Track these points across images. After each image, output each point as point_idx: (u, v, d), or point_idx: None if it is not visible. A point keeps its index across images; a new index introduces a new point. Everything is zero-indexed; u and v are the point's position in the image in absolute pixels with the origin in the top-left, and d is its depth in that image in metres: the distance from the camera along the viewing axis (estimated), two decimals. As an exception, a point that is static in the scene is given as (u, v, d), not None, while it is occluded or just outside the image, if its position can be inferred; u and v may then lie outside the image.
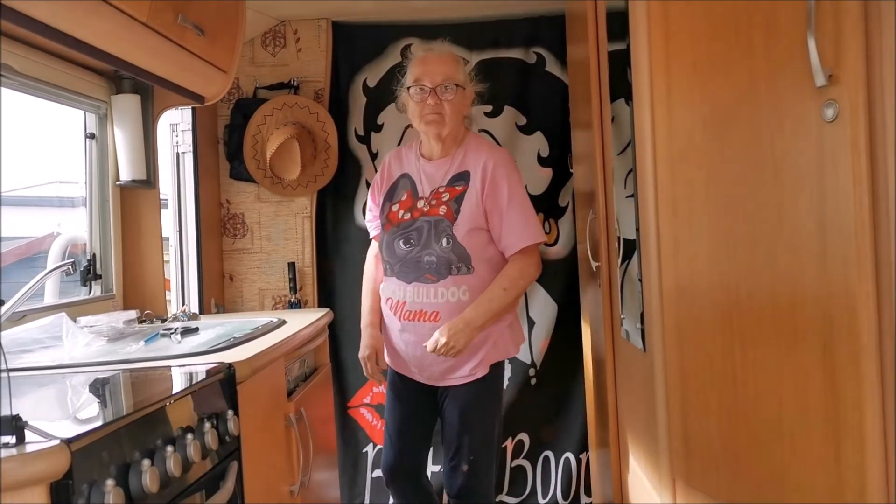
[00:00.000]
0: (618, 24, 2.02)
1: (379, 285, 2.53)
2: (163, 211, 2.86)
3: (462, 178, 2.37)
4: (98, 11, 1.65)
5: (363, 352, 2.51)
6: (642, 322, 1.93)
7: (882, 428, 1.18)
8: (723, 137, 1.50)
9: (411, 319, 2.37)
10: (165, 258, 2.92)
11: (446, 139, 2.40)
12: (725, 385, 1.51)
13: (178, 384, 1.56)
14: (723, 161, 1.51)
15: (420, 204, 2.38)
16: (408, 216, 2.38)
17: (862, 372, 1.19)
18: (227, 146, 3.47)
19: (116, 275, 2.60)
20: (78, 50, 1.73)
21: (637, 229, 1.93)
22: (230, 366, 1.68)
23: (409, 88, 2.39)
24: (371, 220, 2.60)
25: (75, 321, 2.00)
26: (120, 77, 2.52)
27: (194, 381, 1.54)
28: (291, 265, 3.45)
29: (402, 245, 2.36)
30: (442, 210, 2.34)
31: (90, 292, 2.48)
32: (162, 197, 2.86)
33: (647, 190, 1.80)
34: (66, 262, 2.10)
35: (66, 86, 2.30)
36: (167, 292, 2.92)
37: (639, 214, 1.89)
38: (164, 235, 2.89)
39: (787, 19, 1.28)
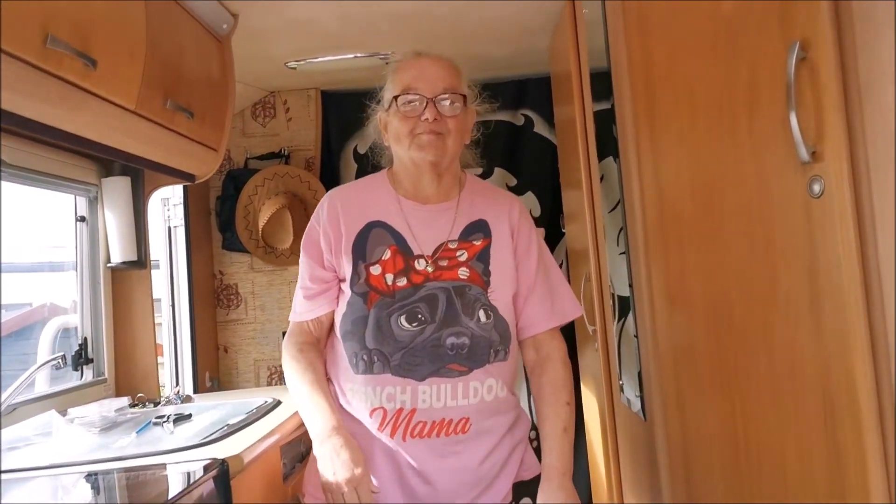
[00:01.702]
0: (603, 85, 2.05)
1: (326, 377, 1.77)
2: (155, 283, 2.85)
3: (478, 228, 1.75)
4: (86, 104, 1.66)
5: (346, 472, 1.58)
6: (641, 389, 1.91)
7: (888, 495, 1.16)
8: (712, 208, 1.51)
9: (424, 435, 1.65)
10: (158, 323, 2.90)
11: (445, 174, 1.75)
12: (728, 454, 1.50)
13: (173, 486, 1.53)
14: (713, 230, 1.51)
15: (420, 265, 1.69)
16: (404, 282, 1.66)
17: (865, 445, 1.17)
18: (219, 217, 3.48)
19: (108, 358, 2.57)
20: (66, 141, 1.74)
21: (630, 286, 1.93)
22: (224, 462, 1.66)
23: (395, 98, 1.69)
24: (316, 294, 1.75)
25: (66, 412, 1.97)
26: (110, 160, 2.53)
27: (189, 483, 1.51)
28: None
29: (403, 324, 1.63)
30: (463, 273, 1.69)
31: (81, 377, 2.45)
32: (154, 265, 2.85)
33: (639, 259, 1.81)
34: (58, 355, 2.08)
35: (56, 172, 2.31)
36: (159, 358, 2.88)
37: (632, 278, 1.90)
38: (156, 306, 2.87)
39: (769, 95, 1.29)
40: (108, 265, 2.58)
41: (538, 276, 1.76)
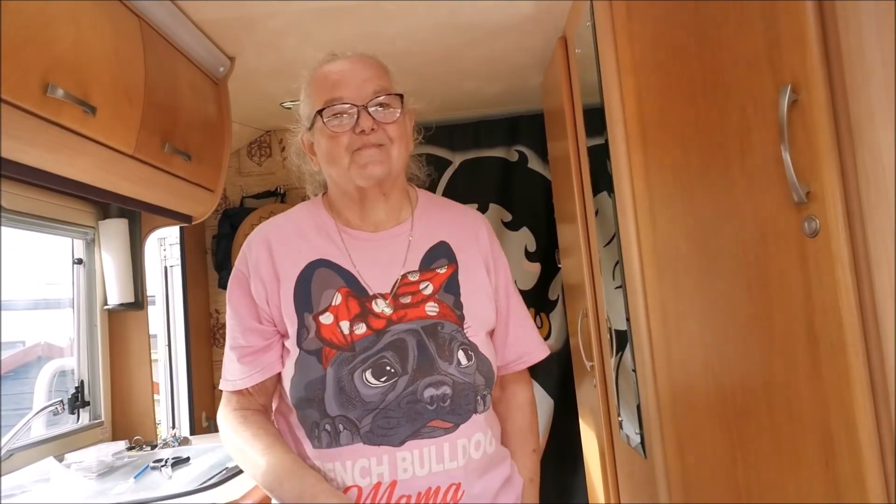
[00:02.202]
0: (596, 120, 2.07)
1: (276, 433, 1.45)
2: (152, 319, 2.84)
3: (440, 253, 1.48)
4: (85, 150, 1.68)
5: (334, 498, 1.30)
6: (640, 424, 1.90)
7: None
8: (707, 247, 1.52)
9: None
10: (155, 360, 2.89)
11: (391, 191, 1.48)
12: (729, 493, 1.49)
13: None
14: (710, 270, 1.52)
15: (379, 306, 1.40)
16: (363, 329, 1.37)
17: (866, 487, 1.17)
18: (215, 256, 3.49)
19: (105, 401, 2.56)
20: (65, 187, 1.75)
21: (627, 319, 1.94)
22: (223, 508, 1.64)
23: (320, 113, 1.41)
24: (252, 355, 1.43)
25: (63, 458, 1.95)
26: (107, 203, 2.54)
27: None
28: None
29: (370, 380, 1.33)
30: (431, 309, 1.41)
31: (78, 420, 2.44)
32: (150, 301, 2.84)
33: (636, 296, 1.81)
34: (55, 401, 2.07)
35: (54, 216, 2.32)
36: (156, 395, 2.87)
37: (628, 312, 1.90)
38: (153, 342, 2.86)
39: (760, 136, 1.31)
40: (105, 307, 2.58)
41: (519, 305, 1.58)
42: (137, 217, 2.63)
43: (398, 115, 1.41)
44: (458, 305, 1.44)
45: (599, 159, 2.11)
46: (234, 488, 1.82)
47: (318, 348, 1.35)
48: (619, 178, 1.84)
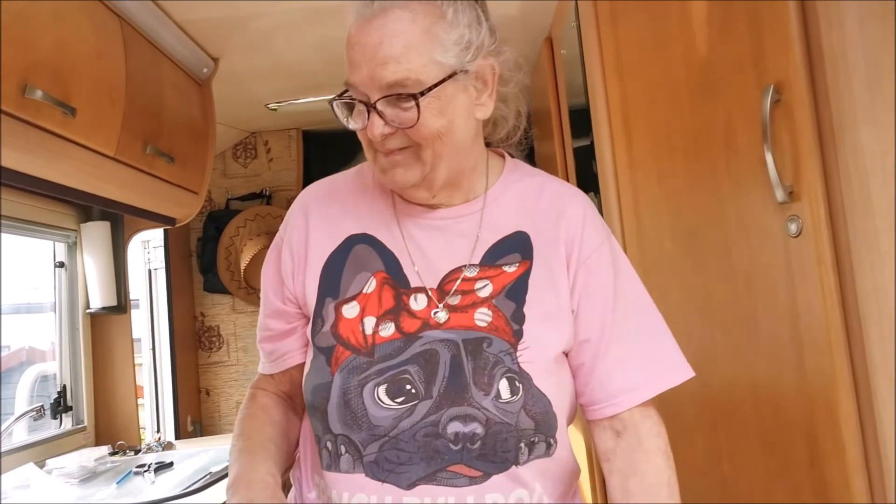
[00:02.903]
0: (582, 121, 2.07)
1: (288, 431, 1.22)
2: (135, 323, 2.82)
3: (515, 246, 1.12)
4: (65, 152, 1.65)
5: None
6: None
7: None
8: (692, 249, 1.52)
9: None
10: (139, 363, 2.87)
11: (447, 185, 1.11)
12: (716, 494, 1.49)
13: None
14: (695, 271, 1.52)
15: (418, 303, 1.10)
16: (390, 331, 1.08)
17: (851, 486, 1.17)
18: (200, 259, 3.46)
19: (88, 405, 2.53)
20: (46, 189, 1.73)
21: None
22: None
23: (331, 104, 1.09)
24: (274, 338, 1.21)
25: (44, 463, 1.93)
26: (89, 205, 2.52)
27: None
28: (269, 377, 3.40)
29: (382, 398, 1.06)
30: (482, 318, 1.08)
31: (60, 425, 2.41)
32: (133, 305, 2.82)
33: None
34: (36, 406, 2.05)
35: (35, 219, 2.29)
36: (140, 399, 2.85)
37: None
38: (136, 346, 2.84)
39: (745, 137, 1.31)
40: (88, 311, 2.55)
41: (618, 321, 1.11)
42: (120, 220, 2.61)
43: (415, 116, 1.01)
44: (518, 318, 1.07)
45: (585, 160, 2.11)
46: (218, 493, 1.80)
47: (331, 346, 1.08)
48: (604, 178, 1.83)
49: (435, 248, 1.12)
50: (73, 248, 2.55)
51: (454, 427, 1.02)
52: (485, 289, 1.09)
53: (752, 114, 1.27)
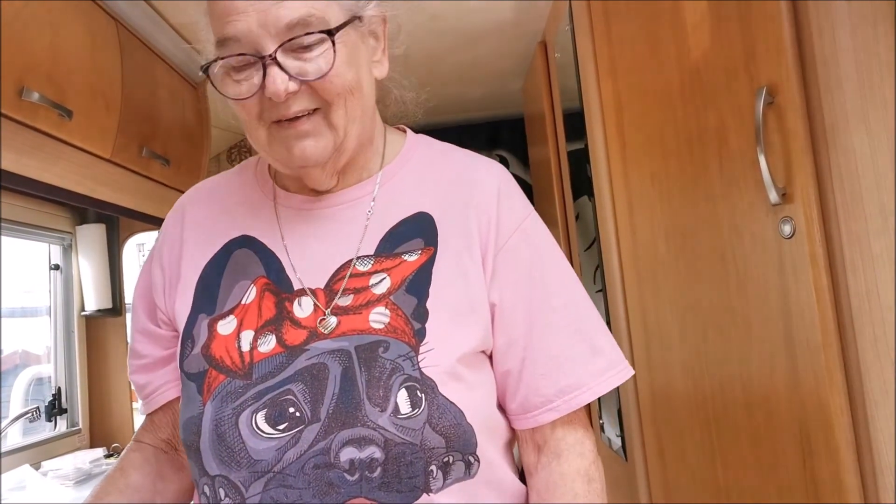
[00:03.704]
0: (576, 124, 2.08)
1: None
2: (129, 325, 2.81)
3: (417, 230, 0.95)
4: (61, 154, 1.66)
5: None
6: (621, 428, 1.91)
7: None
8: (685, 251, 1.53)
9: None
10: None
11: (349, 165, 0.96)
12: (709, 495, 1.50)
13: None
14: (688, 273, 1.53)
15: (302, 309, 0.91)
16: (269, 346, 0.89)
17: (844, 487, 1.18)
18: (194, 262, 3.46)
19: (83, 408, 2.53)
20: (41, 191, 1.73)
21: (608, 322, 1.94)
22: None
23: (206, 69, 0.88)
24: (148, 369, 1.02)
25: (39, 465, 1.93)
26: (84, 208, 2.52)
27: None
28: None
29: (262, 427, 0.85)
30: (378, 318, 0.89)
31: (55, 428, 2.41)
32: (128, 307, 2.82)
33: (616, 297, 1.82)
34: (31, 408, 2.05)
35: (30, 221, 2.29)
36: (135, 403, 2.84)
37: (609, 318, 1.91)
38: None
39: (738, 139, 1.32)
40: (83, 313, 2.55)
41: (546, 315, 0.93)
42: (115, 222, 2.61)
43: (330, 58, 0.83)
44: (420, 315, 0.88)
45: (580, 164, 2.12)
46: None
47: (202, 371, 0.89)
48: (598, 182, 1.85)
49: (320, 241, 0.94)
50: (68, 250, 2.55)
51: (348, 453, 0.82)
52: (381, 284, 0.90)
53: (744, 116, 1.28)
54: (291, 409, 0.84)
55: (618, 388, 1.91)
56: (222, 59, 0.85)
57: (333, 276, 0.92)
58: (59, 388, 2.46)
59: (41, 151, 1.59)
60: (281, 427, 0.84)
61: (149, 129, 2.05)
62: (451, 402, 0.86)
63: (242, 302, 0.92)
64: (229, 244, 0.97)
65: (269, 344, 0.88)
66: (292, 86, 0.83)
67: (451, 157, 1.01)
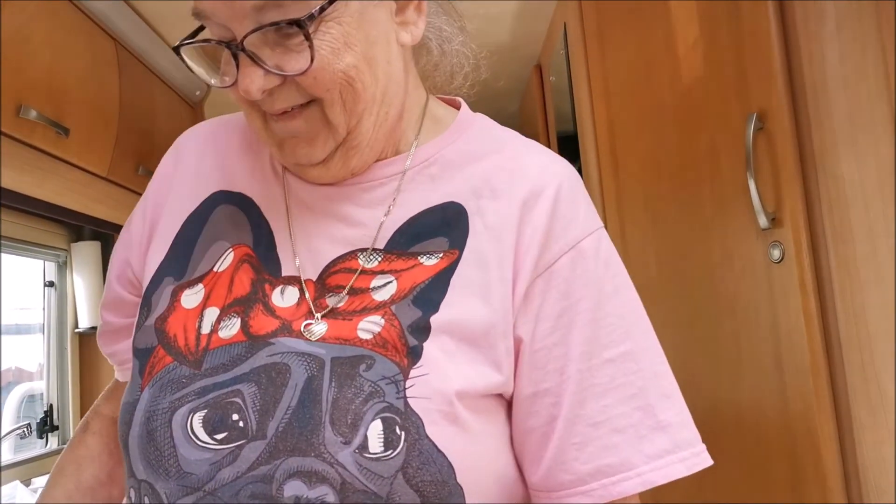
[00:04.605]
0: (570, 147, 2.09)
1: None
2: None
3: (439, 225, 0.73)
4: (57, 172, 1.67)
5: None
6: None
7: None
8: (676, 274, 1.54)
9: None
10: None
11: (373, 147, 0.74)
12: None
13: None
14: (679, 295, 1.54)
15: (283, 298, 0.72)
16: (232, 331, 0.70)
17: (833, 510, 1.18)
18: (189, 280, 3.46)
19: (74, 425, 2.52)
20: (36, 208, 1.74)
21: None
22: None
23: (177, 49, 0.72)
24: (113, 334, 0.89)
25: (30, 482, 1.92)
26: (80, 225, 2.53)
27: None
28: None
29: (197, 433, 0.65)
30: (368, 327, 0.68)
31: (47, 444, 2.40)
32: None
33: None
34: (22, 424, 2.04)
35: (25, 238, 2.30)
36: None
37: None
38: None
39: (729, 164, 1.33)
40: (76, 330, 2.55)
41: (597, 366, 0.70)
42: (111, 240, 2.61)
43: (307, 58, 0.65)
44: (420, 330, 0.68)
45: (573, 186, 2.14)
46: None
47: (149, 347, 0.72)
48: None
49: (325, 222, 0.76)
50: (62, 267, 2.55)
51: (294, 488, 0.62)
52: (385, 288, 0.71)
53: (736, 141, 1.30)
54: (235, 417, 0.65)
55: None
56: (188, 43, 0.71)
57: (328, 267, 0.73)
58: (51, 405, 2.44)
59: (38, 169, 1.60)
60: (219, 437, 0.65)
61: (146, 147, 2.06)
62: (439, 451, 0.64)
63: (214, 269, 0.74)
64: (216, 196, 0.79)
65: (231, 328, 0.70)
66: (270, 82, 0.67)
67: (509, 144, 0.80)
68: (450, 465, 0.65)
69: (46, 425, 2.40)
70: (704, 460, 0.72)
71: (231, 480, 0.63)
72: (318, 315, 0.70)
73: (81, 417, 2.59)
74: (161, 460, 0.66)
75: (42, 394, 2.48)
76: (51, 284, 2.52)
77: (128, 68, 1.95)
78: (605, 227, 0.78)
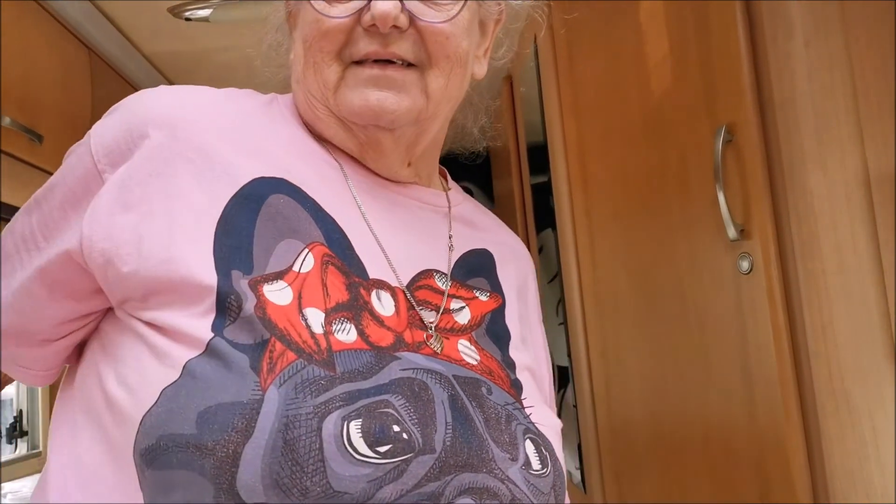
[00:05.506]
0: (540, 158, 2.11)
1: None
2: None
3: (481, 268, 0.80)
4: (32, 178, 1.66)
5: None
6: (581, 461, 1.92)
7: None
8: (646, 286, 1.55)
9: None
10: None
11: (420, 158, 0.77)
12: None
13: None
14: (648, 307, 1.55)
15: (384, 306, 0.67)
16: (350, 336, 0.62)
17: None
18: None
19: (44, 430, 2.49)
20: (9, 215, 1.72)
21: (568, 355, 1.96)
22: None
23: None
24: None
25: (-4, 492, 1.89)
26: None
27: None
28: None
29: (355, 444, 0.55)
30: (469, 352, 0.70)
31: (16, 450, 2.38)
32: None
33: (577, 331, 1.84)
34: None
35: None
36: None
37: (570, 351, 1.92)
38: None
39: (698, 176, 1.35)
40: (44, 338, 2.52)
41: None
42: (80, 247, 2.60)
43: (455, 13, 0.68)
44: (510, 365, 0.73)
45: (543, 197, 2.15)
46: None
47: (261, 341, 0.59)
48: (561, 217, 1.87)
49: (404, 231, 0.73)
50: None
51: None
52: (461, 313, 0.72)
53: (705, 154, 1.31)
54: (396, 428, 0.57)
55: (577, 421, 1.93)
56: None
57: (415, 279, 0.71)
58: (21, 411, 2.42)
59: (10, 176, 1.59)
60: (382, 450, 0.56)
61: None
62: (562, 467, 0.68)
63: (294, 268, 0.64)
64: (258, 183, 0.67)
65: (348, 334, 0.62)
66: (402, 18, 0.66)
67: (496, 220, 0.91)
68: (565, 485, 0.70)
69: (16, 430, 2.38)
70: None
71: (394, 499, 0.55)
72: (434, 332, 0.69)
73: (51, 423, 2.56)
74: (300, 477, 0.53)
75: (12, 399, 2.46)
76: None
77: (101, 77, 1.94)
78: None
